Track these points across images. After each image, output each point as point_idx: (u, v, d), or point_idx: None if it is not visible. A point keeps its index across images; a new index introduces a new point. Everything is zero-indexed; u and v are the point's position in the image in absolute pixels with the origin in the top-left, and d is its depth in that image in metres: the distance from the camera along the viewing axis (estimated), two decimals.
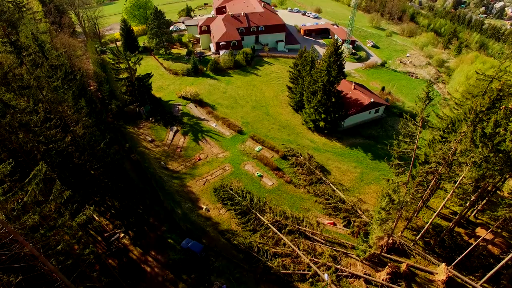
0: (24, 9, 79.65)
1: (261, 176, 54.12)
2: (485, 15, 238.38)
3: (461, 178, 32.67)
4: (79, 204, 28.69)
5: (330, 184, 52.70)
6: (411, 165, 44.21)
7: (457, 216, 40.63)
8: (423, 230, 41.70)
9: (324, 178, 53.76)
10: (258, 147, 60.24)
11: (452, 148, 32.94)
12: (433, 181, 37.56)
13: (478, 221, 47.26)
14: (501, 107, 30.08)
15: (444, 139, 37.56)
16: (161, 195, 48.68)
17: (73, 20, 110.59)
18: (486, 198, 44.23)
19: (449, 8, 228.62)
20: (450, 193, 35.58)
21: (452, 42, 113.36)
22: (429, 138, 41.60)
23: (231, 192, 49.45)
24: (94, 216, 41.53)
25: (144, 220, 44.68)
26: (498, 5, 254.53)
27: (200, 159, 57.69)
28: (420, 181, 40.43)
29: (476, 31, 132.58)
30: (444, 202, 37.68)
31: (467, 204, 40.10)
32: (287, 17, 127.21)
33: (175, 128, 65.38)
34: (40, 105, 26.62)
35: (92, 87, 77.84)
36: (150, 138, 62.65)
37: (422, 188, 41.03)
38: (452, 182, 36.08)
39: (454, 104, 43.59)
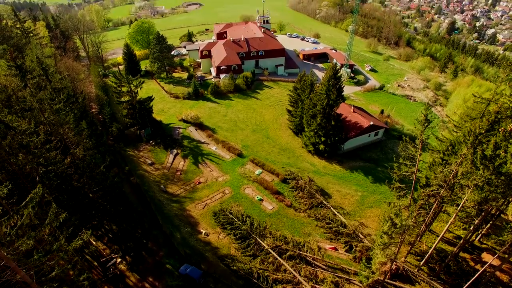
0: (31, 34, 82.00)
1: (261, 200, 53.50)
2: (478, 41, 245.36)
3: (463, 201, 32.26)
4: (76, 228, 28.17)
5: (331, 208, 52.00)
6: (412, 188, 43.79)
7: (462, 241, 39.76)
8: (427, 255, 40.70)
9: (324, 202, 53.11)
10: (258, 171, 59.95)
11: (453, 171, 32.75)
12: (435, 204, 37.07)
13: (483, 245, 46.19)
14: (500, 129, 30.16)
15: (444, 162, 37.41)
16: (160, 219, 47.89)
17: (78, 44, 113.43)
18: (491, 222, 43.50)
19: (443, 33, 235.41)
20: (453, 217, 35.01)
21: (448, 66, 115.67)
22: (430, 161, 41.44)
23: (230, 216, 48.70)
24: (91, 240, 40.67)
25: (143, 244, 43.71)
26: (489, 31, 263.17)
27: (199, 183, 57.26)
28: (422, 204, 39.90)
29: (471, 56, 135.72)
30: (447, 226, 37.01)
31: (471, 228, 39.34)
32: (286, 42, 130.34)
33: (175, 151, 65.36)
34: (41, 127, 26.71)
35: (93, 110, 78.56)
36: (150, 161, 62.47)
37: (424, 211, 40.44)
38: (454, 205, 35.60)
39: (453, 126, 43.78)
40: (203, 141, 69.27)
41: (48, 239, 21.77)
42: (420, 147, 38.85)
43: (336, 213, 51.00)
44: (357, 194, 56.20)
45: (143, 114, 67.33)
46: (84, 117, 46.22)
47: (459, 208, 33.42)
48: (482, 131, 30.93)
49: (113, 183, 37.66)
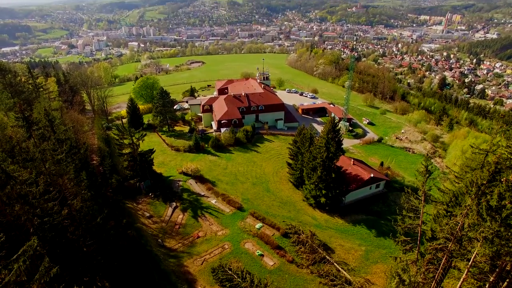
0: (42, 89, 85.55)
1: (262, 255, 51.28)
2: (469, 95, 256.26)
3: (473, 255, 30.90)
4: (67, 285, 26.55)
5: (335, 264, 49.63)
6: (418, 242, 42.25)
7: None
8: None
9: (327, 257, 50.86)
10: (258, 225, 58.37)
11: (459, 223, 31.90)
12: (444, 259, 35.46)
13: None
14: (502, 180, 30.00)
15: (449, 213, 36.61)
16: (156, 276, 45.45)
17: (84, 98, 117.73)
18: (507, 280, 41.16)
19: (435, 88, 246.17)
20: (465, 273, 33.22)
21: (443, 119, 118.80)
22: (434, 213, 40.60)
23: (230, 272, 46.24)
24: None
25: None
26: (478, 87, 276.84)
27: (198, 237, 55.41)
28: (430, 259, 38.17)
29: (464, 109, 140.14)
30: (460, 283, 34.95)
31: (486, 286, 37.12)
32: (285, 97, 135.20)
33: (174, 204, 64.30)
34: (41, 177, 26.60)
35: (94, 161, 78.91)
36: (148, 214, 61.12)
37: (433, 267, 38.52)
38: (465, 260, 33.99)
39: (454, 177, 43.64)
40: (203, 194, 68.45)
41: None
42: (423, 199, 38.32)
43: (340, 269, 48.56)
44: (361, 249, 54.02)
45: (143, 167, 67.48)
46: (84, 168, 46.26)
47: (470, 263, 31.89)
48: (484, 182, 30.74)
49: (109, 236, 36.38)
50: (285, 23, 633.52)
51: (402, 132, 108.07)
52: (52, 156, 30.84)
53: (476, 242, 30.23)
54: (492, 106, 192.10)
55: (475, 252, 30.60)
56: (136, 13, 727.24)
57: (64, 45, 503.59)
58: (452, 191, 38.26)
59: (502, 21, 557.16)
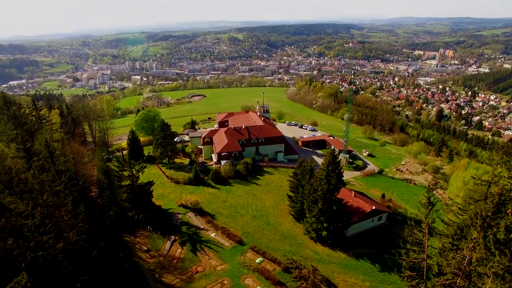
0: (44, 121, 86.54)
1: None
2: (467, 127, 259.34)
3: None
4: None
5: None
6: (424, 277, 40.68)
7: None
8: None
9: None
10: (259, 259, 56.60)
11: (466, 257, 30.91)
12: None
13: None
14: (508, 212, 29.48)
15: (455, 247, 35.58)
16: None
17: (86, 130, 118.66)
18: None
19: (433, 120, 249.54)
20: None
21: (442, 150, 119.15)
22: (439, 246, 39.49)
23: None
24: None
25: None
26: (475, 118, 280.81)
27: (197, 272, 53.51)
28: None
29: (463, 140, 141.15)
30: None
31: None
32: (285, 129, 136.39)
33: (172, 237, 62.75)
34: (38, 209, 26.10)
35: (93, 193, 77.99)
36: (146, 248, 59.43)
37: None
38: None
39: (457, 209, 42.91)
40: (202, 227, 67.02)
41: None
42: (427, 231, 37.38)
43: None
44: (365, 284, 51.98)
45: (142, 199, 66.65)
46: (82, 200, 45.62)
47: None
48: (489, 214, 30.19)
49: (105, 271, 35.10)
50: (284, 58, 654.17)
51: (403, 164, 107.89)
52: (51, 188, 30.48)
53: (487, 278, 29.12)
54: (490, 137, 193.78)
55: None
56: (140, 48, 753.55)
57: (69, 78, 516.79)
58: (456, 223, 37.48)
59: (492, 56, 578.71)
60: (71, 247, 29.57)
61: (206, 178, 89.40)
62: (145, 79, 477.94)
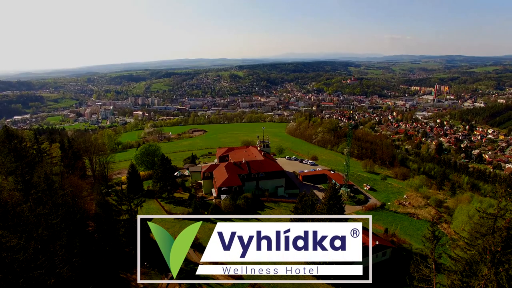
0: (45, 154, 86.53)
1: None
2: (467, 160, 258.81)
3: None
4: None
5: None
6: None
7: None
8: None
9: None
10: None
11: None
12: None
13: None
14: None
15: (465, 284, 34.06)
16: None
17: (86, 164, 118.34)
18: None
19: (433, 154, 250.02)
20: None
21: (444, 183, 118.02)
22: (448, 283, 37.77)
23: None
24: None
25: None
26: (475, 151, 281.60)
27: None
28: None
29: (464, 174, 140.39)
30: None
31: None
32: (286, 164, 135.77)
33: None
34: (31, 243, 25.29)
35: (90, 228, 76.17)
36: (142, 285, 56.94)
37: None
38: None
39: (464, 244, 41.56)
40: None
41: None
42: (434, 267, 36.05)
43: None
44: None
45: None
46: (79, 234, 44.41)
47: None
48: (499, 249, 29.26)
49: None
50: (284, 94, 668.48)
51: (405, 198, 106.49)
52: (47, 221, 29.80)
53: None
54: (491, 170, 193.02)
55: None
56: (142, 85, 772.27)
57: (73, 113, 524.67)
58: (464, 259, 36.15)
59: (486, 92, 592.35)
60: (64, 285, 28.30)
61: (205, 212, 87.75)
62: (147, 114, 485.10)
